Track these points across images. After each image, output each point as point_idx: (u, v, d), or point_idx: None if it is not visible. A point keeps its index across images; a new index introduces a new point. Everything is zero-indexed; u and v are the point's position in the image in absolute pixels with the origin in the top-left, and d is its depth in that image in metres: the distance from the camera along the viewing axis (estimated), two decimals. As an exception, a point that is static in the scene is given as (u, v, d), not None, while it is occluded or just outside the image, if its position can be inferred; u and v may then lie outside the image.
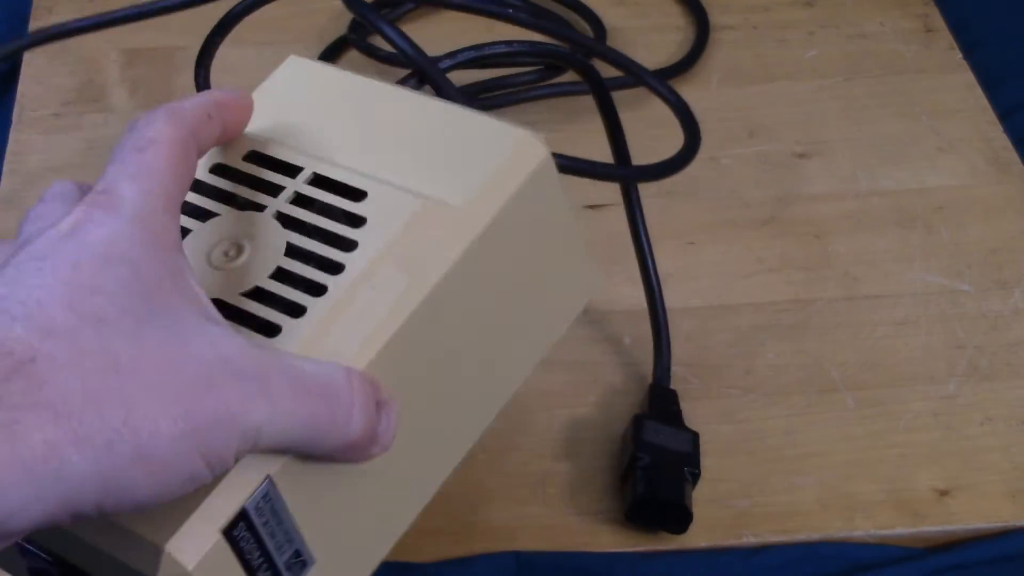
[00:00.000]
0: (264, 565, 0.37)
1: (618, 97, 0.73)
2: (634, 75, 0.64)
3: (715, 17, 0.77)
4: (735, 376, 0.59)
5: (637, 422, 0.54)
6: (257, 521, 0.36)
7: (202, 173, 0.43)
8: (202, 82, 0.65)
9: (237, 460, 0.34)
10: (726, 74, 0.74)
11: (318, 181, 0.42)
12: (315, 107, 0.45)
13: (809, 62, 0.75)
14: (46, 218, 0.37)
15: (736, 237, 0.65)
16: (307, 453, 0.36)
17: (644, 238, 0.58)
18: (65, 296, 0.33)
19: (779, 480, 0.55)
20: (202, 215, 0.42)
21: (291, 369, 0.35)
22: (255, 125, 0.43)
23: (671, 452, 0.54)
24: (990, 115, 0.72)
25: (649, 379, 0.58)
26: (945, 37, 0.77)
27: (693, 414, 0.57)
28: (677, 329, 0.60)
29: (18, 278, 0.33)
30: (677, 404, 0.56)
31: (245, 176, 0.42)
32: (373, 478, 0.39)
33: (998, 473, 0.56)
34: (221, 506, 0.35)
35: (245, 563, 0.36)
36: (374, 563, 0.41)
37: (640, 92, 0.73)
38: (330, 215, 0.41)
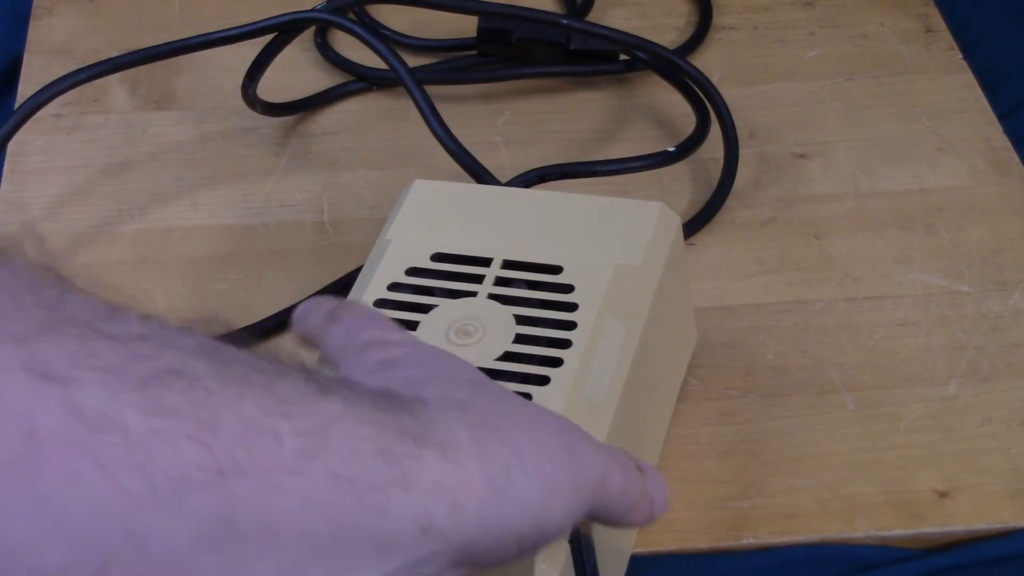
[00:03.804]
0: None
1: (621, 97, 0.73)
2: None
3: (715, 17, 0.77)
4: (735, 377, 0.59)
5: None
6: (583, 531, 0.42)
7: (399, 276, 0.49)
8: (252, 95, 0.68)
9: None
10: (726, 74, 0.74)
11: (509, 265, 0.49)
12: (463, 216, 0.52)
13: (809, 62, 0.75)
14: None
15: (736, 237, 0.65)
16: (610, 512, 0.38)
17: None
18: (439, 375, 0.36)
19: (779, 481, 0.55)
20: (416, 309, 0.48)
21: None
22: (421, 240, 0.50)
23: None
24: (990, 115, 0.72)
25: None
26: (945, 37, 0.76)
27: (693, 415, 0.57)
28: (677, 330, 0.61)
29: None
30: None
31: (442, 273, 0.49)
32: None
33: (998, 474, 0.56)
34: None
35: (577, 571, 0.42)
36: None
37: (643, 94, 0.73)
38: (536, 288, 0.48)
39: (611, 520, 0.39)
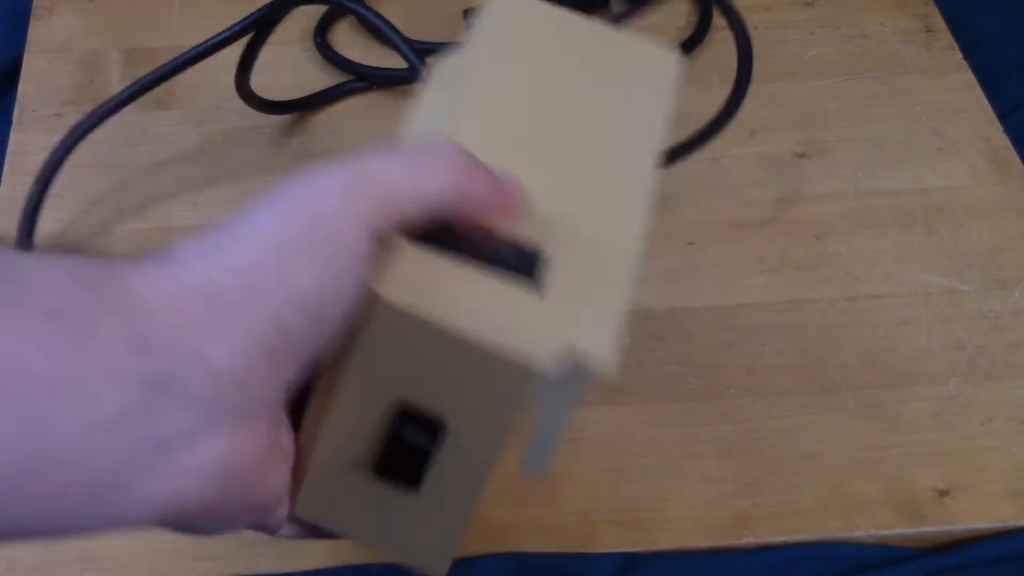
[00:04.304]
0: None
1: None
2: None
3: (715, 17, 0.77)
4: (735, 376, 0.59)
5: None
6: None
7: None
8: (246, 89, 0.68)
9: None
10: (726, 74, 0.74)
11: None
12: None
13: (809, 62, 0.75)
14: None
15: (736, 237, 0.65)
16: (458, 205, 0.36)
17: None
18: None
19: (779, 480, 0.55)
20: None
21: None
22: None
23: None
24: (990, 115, 0.72)
25: (650, 380, 0.59)
26: (945, 37, 0.77)
27: (693, 414, 0.57)
28: (677, 329, 0.60)
29: None
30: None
31: None
32: None
33: (998, 473, 0.56)
34: None
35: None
36: None
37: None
38: None
39: (459, 213, 0.36)
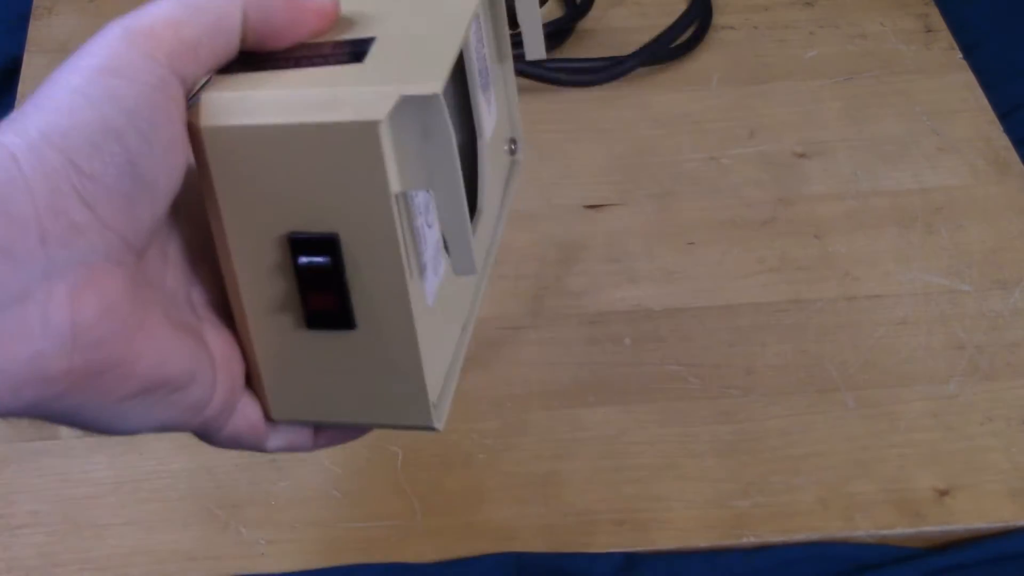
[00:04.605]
0: None
1: (620, 96, 0.73)
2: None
3: (715, 17, 0.77)
4: (735, 376, 0.59)
5: None
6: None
7: None
8: None
9: None
10: (726, 74, 0.74)
11: None
12: None
13: (809, 62, 0.75)
14: None
15: (736, 237, 0.65)
16: (257, 24, 0.36)
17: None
18: None
19: (779, 480, 0.55)
20: None
21: None
22: None
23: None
24: (990, 115, 0.72)
25: (650, 380, 0.59)
26: (945, 37, 0.77)
27: (693, 414, 0.57)
28: (677, 329, 0.61)
29: None
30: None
31: None
32: None
33: (998, 473, 0.56)
34: None
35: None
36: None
37: (642, 93, 0.73)
38: None
39: (264, 32, 0.37)
